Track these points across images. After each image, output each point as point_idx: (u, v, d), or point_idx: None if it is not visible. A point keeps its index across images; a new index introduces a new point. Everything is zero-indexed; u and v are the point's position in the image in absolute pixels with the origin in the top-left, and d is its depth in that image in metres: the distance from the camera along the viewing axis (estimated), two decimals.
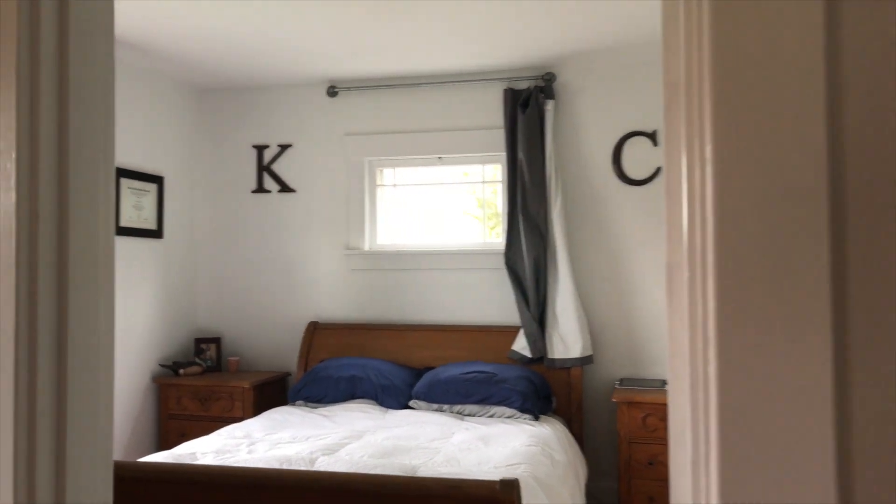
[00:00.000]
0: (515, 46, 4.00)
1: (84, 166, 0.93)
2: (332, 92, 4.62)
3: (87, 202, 0.93)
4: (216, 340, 4.65)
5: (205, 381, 4.27)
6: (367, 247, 4.61)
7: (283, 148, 4.73)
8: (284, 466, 2.74)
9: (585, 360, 4.03)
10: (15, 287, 0.83)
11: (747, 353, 0.69)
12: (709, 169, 0.72)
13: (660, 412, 3.60)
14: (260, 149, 4.77)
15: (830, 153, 0.69)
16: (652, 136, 4.10)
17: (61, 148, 0.90)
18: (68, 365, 0.88)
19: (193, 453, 2.97)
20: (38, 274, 0.86)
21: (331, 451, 3.02)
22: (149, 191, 4.36)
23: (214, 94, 4.85)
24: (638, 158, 4.13)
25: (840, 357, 0.70)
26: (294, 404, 4.07)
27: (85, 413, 0.90)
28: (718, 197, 0.71)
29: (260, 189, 4.76)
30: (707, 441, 0.72)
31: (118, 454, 4.05)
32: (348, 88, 4.60)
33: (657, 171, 4.08)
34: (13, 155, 0.85)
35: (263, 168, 4.76)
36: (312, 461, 2.83)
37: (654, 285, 4.08)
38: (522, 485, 2.45)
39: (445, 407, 3.83)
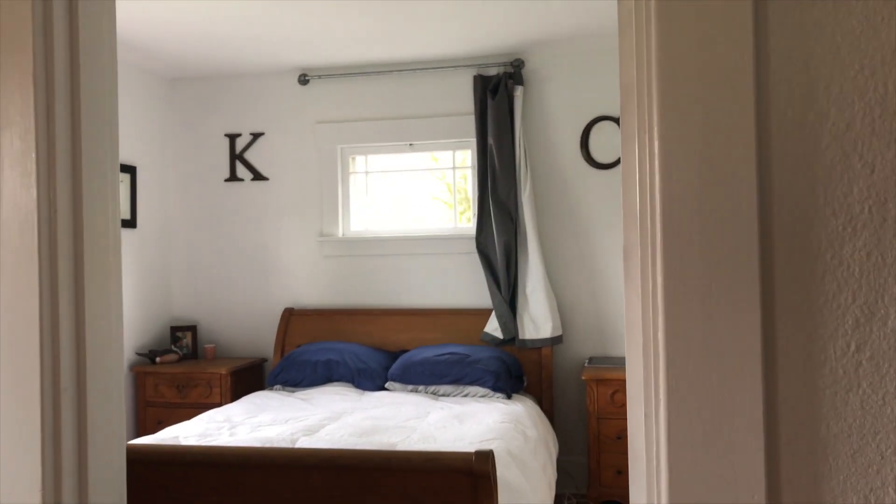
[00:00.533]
0: (484, 33, 4.09)
1: (95, 164, 1.01)
2: (304, 80, 4.67)
3: (98, 196, 1.01)
4: (192, 328, 4.70)
5: (181, 368, 4.33)
6: (340, 233, 4.68)
7: (256, 136, 4.77)
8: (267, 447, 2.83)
9: (555, 340, 4.16)
10: (38, 272, 0.92)
11: (689, 321, 0.81)
12: (656, 162, 0.83)
13: None
14: (232, 137, 4.80)
15: (759, 148, 0.80)
16: (618, 121, 4.22)
17: (74, 148, 0.98)
18: (86, 342, 0.97)
19: (176, 437, 3.04)
20: (58, 261, 0.94)
21: (311, 431, 3.11)
22: (122, 181, 4.39)
23: (186, 84, 4.87)
24: (605, 143, 4.26)
25: (768, 323, 0.81)
26: (272, 389, 4.15)
27: (101, 387, 0.99)
28: (664, 186, 0.81)
29: (233, 178, 4.80)
30: (657, 396, 0.83)
31: None
32: (319, 76, 4.65)
33: None
34: (33, 156, 0.93)
35: (236, 157, 4.80)
36: (294, 441, 2.92)
37: (620, 266, 4.21)
38: (497, 458, 2.57)
39: (420, 388, 3.94)
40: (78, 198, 0.98)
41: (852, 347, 0.79)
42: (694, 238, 0.80)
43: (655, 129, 0.83)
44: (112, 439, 1.02)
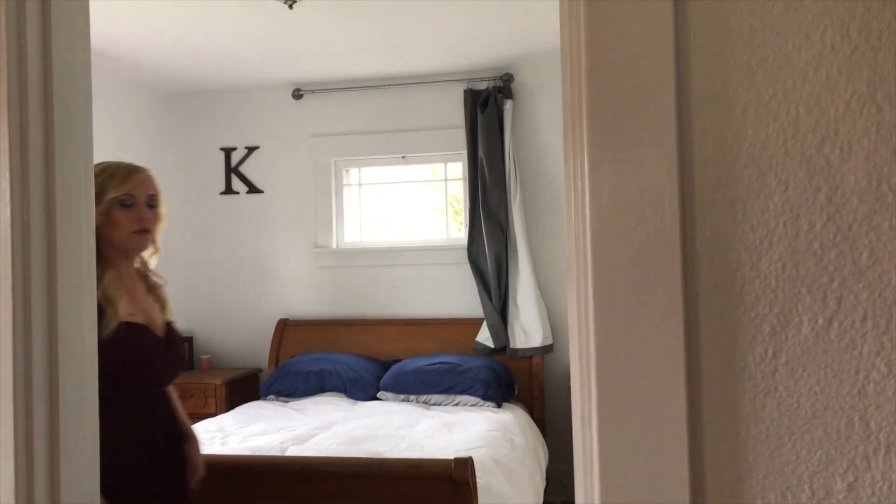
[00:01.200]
0: (474, 49, 4.16)
1: (67, 182, 1.07)
2: (298, 94, 4.74)
3: (71, 213, 1.07)
4: (188, 340, 4.75)
5: (178, 379, 4.37)
6: (334, 244, 4.74)
7: (251, 150, 4.84)
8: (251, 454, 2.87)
9: (546, 349, 4.21)
10: (11, 288, 0.97)
11: (617, 331, 0.86)
12: (586, 180, 0.88)
13: None
14: (227, 151, 4.87)
15: (681, 166, 0.85)
16: None
17: (48, 167, 1.04)
18: (59, 356, 1.02)
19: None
20: (31, 277, 1.00)
21: (301, 440, 3.16)
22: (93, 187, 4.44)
23: (181, 98, 4.95)
24: None
25: (691, 332, 0.86)
26: (266, 399, 4.20)
27: (74, 398, 1.05)
28: (593, 202, 0.87)
29: (228, 191, 4.87)
30: (590, 401, 0.88)
31: None
32: (313, 91, 4.73)
33: None
34: (7, 175, 0.99)
35: (231, 170, 4.87)
36: (283, 450, 2.97)
37: None
38: (482, 465, 2.62)
39: (412, 397, 3.99)
40: (51, 215, 1.04)
41: (769, 354, 0.84)
42: (621, 251, 0.85)
43: (585, 148, 0.88)
44: (85, 449, 1.07)
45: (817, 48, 0.84)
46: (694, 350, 0.86)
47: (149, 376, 1.87)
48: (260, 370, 4.73)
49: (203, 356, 4.75)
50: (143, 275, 1.96)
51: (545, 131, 4.40)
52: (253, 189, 4.84)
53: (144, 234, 1.85)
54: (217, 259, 4.87)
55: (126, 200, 1.82)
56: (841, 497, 0.83)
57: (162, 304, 1.98)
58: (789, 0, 0.84)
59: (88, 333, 1.12)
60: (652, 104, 0.85)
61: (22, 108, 1.02)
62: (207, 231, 4.90)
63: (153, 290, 1.98)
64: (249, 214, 4.85)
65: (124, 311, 1.75)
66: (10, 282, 0.98)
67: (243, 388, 4.54)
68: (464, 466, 2.10)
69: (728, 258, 0.85)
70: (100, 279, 1.58)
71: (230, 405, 4.29)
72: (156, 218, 1.89)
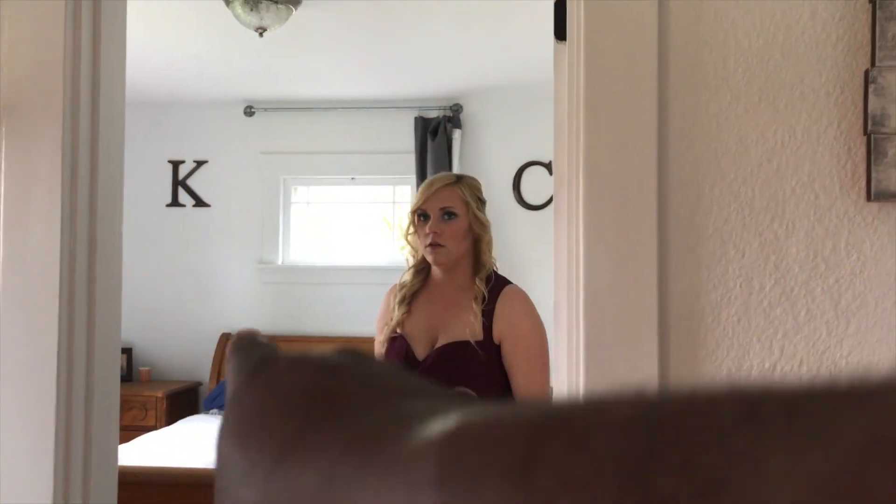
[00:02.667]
0: (426, 78, 4.33)
1: (107, 212, 1.18)
2: (249, 112, 4.81)
3: (109, 238, 1.18)
4: (127, 351, 4.73)
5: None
6: (280, 261, 4.81)
7: (199, 164, 4.87)
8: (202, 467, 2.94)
9: None
10: (58, 302, 1.08)
11: (603, 362, 1.03)
12: (581, 250, 1.05)
13: None
14: (175, 164, 4.89)
15: (660, 235, 1.04)
16: (548, 166, 4.52)
17: (92, 204, 1.15)
18: (95, 369, 1.13)
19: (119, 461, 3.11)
20: (75, 301, 1.11)
21: None
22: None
23: (130, 108, 4.86)
24: (535, 186, 4.55)
25: (664, 372, 1.04)
26: (209, 413, 4.22)
27: (105, 402, 1.15)
28: (587, 260, 1.04)
29: (175, 203, 4.88)
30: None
31: None
32: (265, 109, 4.80)
33: (551, 199, 4.51)
34: (58, 212, 1.10)
35: (179, 183, 4.88)
36: None
37: (548, 302, 4.49)
38: None
39: None
40: (93, 248, 1.15)
41: None
42: (608, 306, 1.03)
43: (581, 227, 1.06)
44: (111, 452, 1.18)
45: (770, 144, 1.04)
46: (665, 387, 1.03)
47: None
48: (200, 383, 4.74)
49: (142, 368, 4.73)
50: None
51: (491, 161, 4.61)
52: (200, 203, 4.87)
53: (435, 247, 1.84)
54: (160, 271, 4.86)
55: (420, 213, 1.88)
56: None
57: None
58: (748, 104, 1.04)
59: (115, 351, 1.23)
60: (637, 184, 1.04)
61: (73, 148, 1.13)
62: (151, 242, 4.88)
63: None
64: (195, 228, 4.87)
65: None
66: (56, 304, 1.08)
67: (183, 401, 4.55)
68: None
69: (695, 311, 1.04)
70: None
71: (170, 418, 4.29)
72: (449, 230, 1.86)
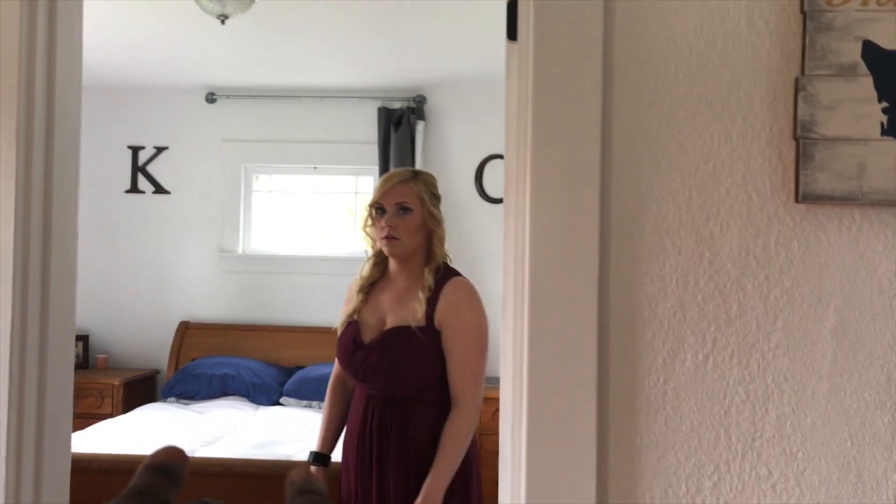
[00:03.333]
0: (389, 69, 4.35)
1: (62, 198, 1.19)
2: (211, 98, 4.77)
3: (63, 224, 1.19)
4: (84, 338, 4.67)
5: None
6: (240, 250, 4.80)
7: (159, 150, 4.82)
8: None
9: None
10: (12, 289, 1.09)
11: (547, 359, 1.08)
12: (527, 241, 1.09)
13: None
14: (135, 149, 4.83)
15: (601, 229, 1.08)
16: None
17: (46, 191, 1.16)
18: (48, 355, 1.15)
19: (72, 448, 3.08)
20: (29, 278, 1.12)
21: (208, 443, 3.23)
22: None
23: (89, 92, 4.79)
24: (497, 179, 4.59)
25: (603, 360, 1.09)
26: (166, 401, 4.20)
27: (58, 388, 1.16)
28: (532, 260, 1.08)
29: (134, 189, 4.83)
30: (521, 416, 1.09)
31: None
32: (227, 96, 4.77)
33: None
34: (12, 199, 1.10)
35: (138, 169, 4.83)
36: (192, 452, 3.04)
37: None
38: None
39: (314, 403, 4.11)
40: (48, 235, 1.16)
41: (661, 380, 1.08)
42: (553, 296, 1.07)
43: (527, 221, 1.10)
44: (64, 439, 1.19)
45: (707, 146, 1.09)
46: (604, 375, 1.08)
47: (348, 371, 2.01)
48: (158, 371, 4.71)
49: (99, 355, 4.68)
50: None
51: (454, 154, 4.64)
52: (159, 189, 4.82)
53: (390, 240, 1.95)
54: (118, 257, 4.81)
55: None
56: (708, 493, 1.08)
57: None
58: (688, 108, 1.09)
59: (70, 339, 1.24)
60: (582, 182, 1.08)
61: (28, 136, 1.13)
62: (109, 228, 4.83)
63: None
64: (154, 215, 4.82)
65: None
66: (10, 291, 1.09)
67: (140, 389, 4.52)
68: None
69: (633, 303, 1.09)
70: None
71: (127, 406, 4.26)
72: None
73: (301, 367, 4.42)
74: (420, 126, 4.52)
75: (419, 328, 1.90)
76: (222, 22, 3.01)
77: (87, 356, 4.66)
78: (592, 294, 1.07)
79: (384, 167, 4.55)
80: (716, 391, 1.08)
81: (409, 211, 1.96)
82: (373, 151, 4.62)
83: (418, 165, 4.48)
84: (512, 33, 1.19)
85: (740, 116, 1.09)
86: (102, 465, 2.38)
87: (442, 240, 2.01)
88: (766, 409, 1.08)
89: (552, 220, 1.08)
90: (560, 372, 1.07)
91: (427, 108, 4.63)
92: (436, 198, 2.05)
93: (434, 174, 4.50)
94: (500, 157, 4.58)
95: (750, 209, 1.08)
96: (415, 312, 1.91)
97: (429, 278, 1.95)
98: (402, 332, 1.92)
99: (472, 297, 1.96)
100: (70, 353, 1.26)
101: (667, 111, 1.09)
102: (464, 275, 2.03)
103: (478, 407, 1.90)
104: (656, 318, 1.09)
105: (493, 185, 4.60)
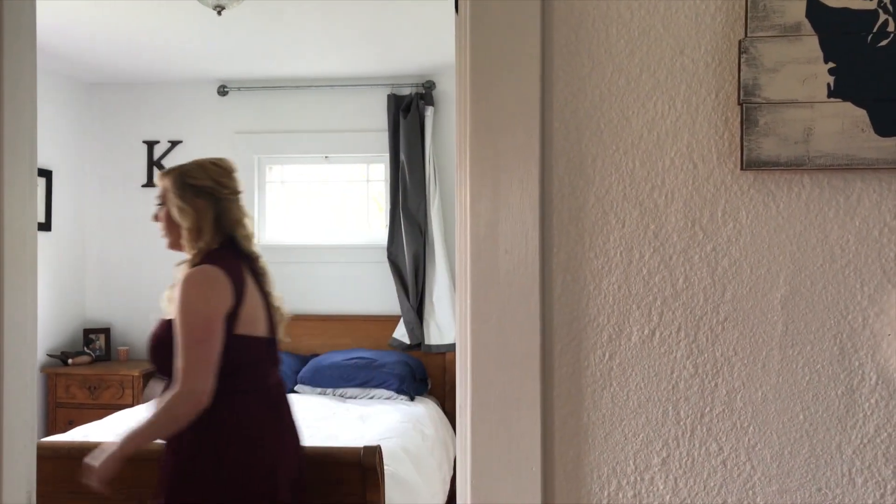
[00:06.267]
0: (398, 56, 4.33)
1: (15, 175, 1.20)
2: (223, 91, 4.81)
3: (18, 207, 1.20)
4: (105, 331, 4.77)
5: (94, 370, 4.40)
6: (256, 241, 4.82)
7: (174, 144, 4.88)
8: None
9: None
10: None
11: (488, 336, 1.06)
12: (467, 214, 1.07)
13: None
14: (150, 144, 4.89)
15: (542, 202, 1.06)
16: None
17: None
18: (4, 344, 1.16)
19: (86, 436, 3.15)
20: None
21: None
22: (37, 184, 4.42)
23: (104, 89, 4.93)
24: None
25: (547, 336, 1.07)
26: None
27: (18, 386, 1.18)
28: (473, 222, 1.06)
29: (150, 183, 4.89)
30: (466, 393, 1.08)
31: None
32: (238, 88, 4.80)
33: None
34: None
35: (154, 163, 4.89)
36: None
37: None
38: (392, 455, 2.80)
39: (329, 391, 4.14)
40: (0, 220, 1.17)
41: (606, 356, 1.06)
42: (493, 272, 1.05)
43: (468, 188, 1.08)
44: (26, 436, 1.21)
45: (650, 115, 1.06)
46: (548, 352, 1.06)
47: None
48: None
49: (121, 347, 4.76)
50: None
51: None
52: None
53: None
54: (137, 251, 4.88)
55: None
56: (656, 470, 1.05)
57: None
58: (630, 75, 1.06)
59: (31, 324, 1.25)
60: (520, 154, 1.05)
61: None
62: (128, 223, 4.90)
63: None
64: None
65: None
66: None
67: None
68: (372, 454, 2.28)
69: (577, 279, 1.06)
70: None
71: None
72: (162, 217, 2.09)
73: (316, 355, 4.45)
74: (429, 112, 4.50)
75: (171, 320, 1.98)
76: (219, 13, 3.02)
77: (108, 349, 4.75)
78: (534, 270, 1.05)
79: (395, 154, 4.54)
80: (663, 366, 1.05)
81: (161, 206, 2.13)
82: (383, 139, 4.62)
83: (428, 151, 4.46)
84: (456, 5, 1.17)
85: (684, 83, 1.05)
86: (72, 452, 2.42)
87: (192, 233, 2.05)
88: (716, 384, 1.05)
89: (491, 196, 1.06)
90: (502, 350, 1.05)
91: (436, 93, 4.61)
92: (192, 188, 2.06)
93: (445, 159, 4.48)
94: None
95: (696, 178, 1.05)
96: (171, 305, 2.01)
97: (177, 270, 2.07)
98: (160, 325, 2.07)
99: (191, 286, 1.97)
100: (32, 367, 1.27)
101: (608, 79, 1.06)
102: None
103: (195, 392, 1.90)
104: (601, 293, 1.06)
105: None
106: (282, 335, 2.17)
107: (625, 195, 1.06)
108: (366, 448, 2.28)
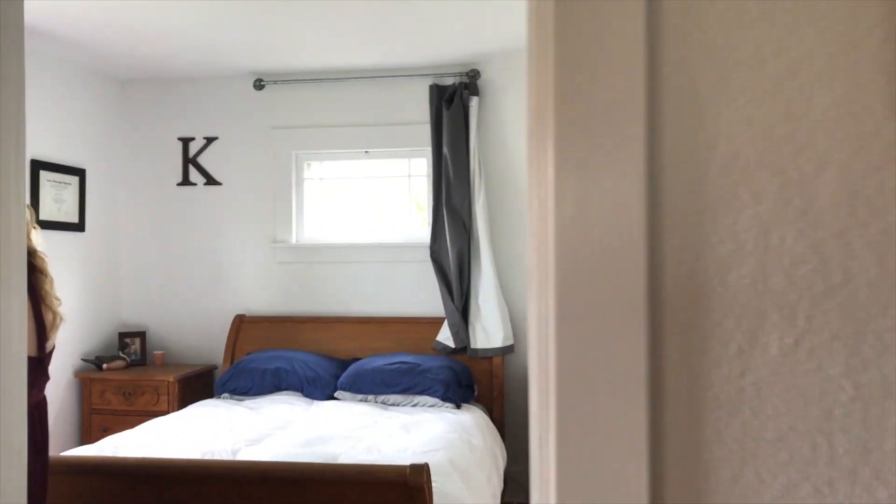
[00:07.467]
0: (441, 43, 4.10)
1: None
2: (259, 85, 4.63)
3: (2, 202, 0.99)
4: (141, 334, 4.62)
5: (129, 375, 4.26)
6: (293, 240, 4.65)
7: (209, 140, 4.72)
8: (207, 458, 2.79)
9: (506, 350, 4.17)
10: None
11: (579, 347, 0.81)
12: (551, 189, 0.83)
13: None
14: (185, 141, 4.75)
15: (648, 177, 0.81)
16: None
17: None
18: None
19: (116, 447, 2.98)
20: None
21: (254, 442, 3.08)
22: (70, 183, 4.30)
23: (138, 86, 4.80)
24: None
25: (655, 349, 0.82)
26: (220, 397, 4.09)
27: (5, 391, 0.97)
28: (558, 212, 0.82)
29: (185, 182, 4.75)
30: (548, 422, 0.83)
31: None
32: (275, 82, 4.62)
33: None
34: None
35: (189, 160, 4.74)
36: (235, 452, 2.89)
37: None
38: (438, 469, 2.57)
39: (370, 397, 3.92)
40: None
41: (735, 374, 0.81)
42: (585, 263, 0.81)
43: (551, 156, 0.83)
44: (11, 451, 1.00)
45: (794, 53, 0.80)
46: (657, 367, 0.81)
47: None
48: (215, 367, 4.62)
49: (156, 352, 4.62)
50: None
51: (511, 129, 4.36)
52: (211, 181, 4.72)
53: None
54: (172, 252, 4.74)
55: None
56: None
57: None
58: (765, 1, 0.80)
59: (17, 329, 1.04)
60: (621, 112, 0.81)
61: None
62: (163, 223, 4.77)
63: None
64: (207, 207, 4.73)
65: None
66: None
67: (197, 385, 4.43)
68: (419, 472, 2.05)
69: (695, 272, 0.81)
70: None
71: (183, 402, 4.18)
72: None
73: (357, 359, 4.24)
74: (474, 102, 4.26)
75: None
76: None
77: (144, 353, 4.60)
78: (638, 262, 0.80)
79: (437, 148, 4.31)
80: (812, 387, 0.80)
81: None
82: (425, 132, 4.39)
83: (472, 143, 4.23)
84: None
85: (842, 9, 0.79)
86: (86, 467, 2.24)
87: None
88: (884, 411, 0.79)
89: (582, 168, 0.82)
90: (596, 366, 0.81)
91: (481, 82, 4.37)
92: None
93: (490, 151, 4.24)
94: None
95: (857, 137, 0.79)
96: None
97: None
98: None
99: None
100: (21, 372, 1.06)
101: (736, 6, 0.81)
102: None
103: None
104: (728, 291, 0.81)
105: None
106: (55, 340, 1.87)
107: (759, 161, 0.81)
108: (412, 466, 2.05)
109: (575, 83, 0.83)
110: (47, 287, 1.79)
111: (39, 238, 1.80)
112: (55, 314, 1.80)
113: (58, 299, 1.81)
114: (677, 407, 0.81)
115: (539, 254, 0.87)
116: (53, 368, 4.12)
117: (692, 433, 0.81)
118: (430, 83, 4.39)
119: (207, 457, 2.82)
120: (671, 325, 0.81)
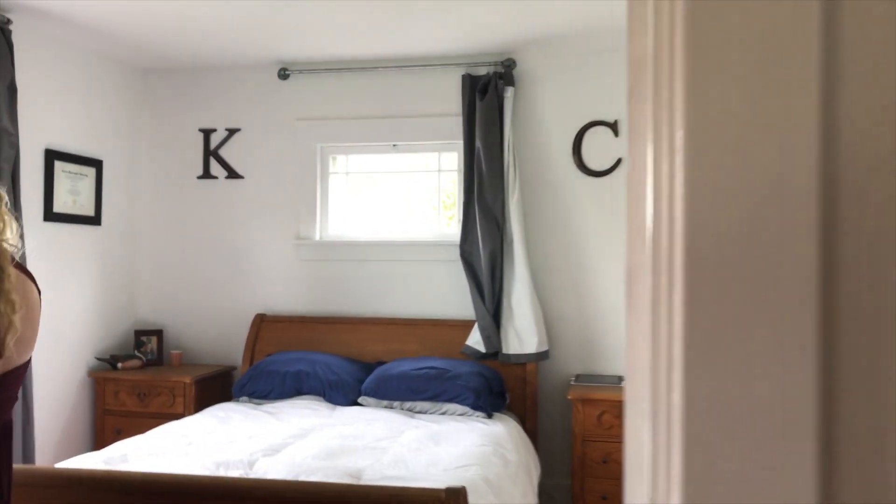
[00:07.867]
0: (475, 31, 3.87)
1: None
2: (284, 74, 4.43)
3: None
4: (158, 333, 4.44)
5: (144, 375, 4.08)
6: (317, 236, 4.44)
7: (231, 132, 4.53)
8: (221, 470, 2.58)
9: (541, 356, 3.93)
10: None
11: (719, 377, 0.58)
12: (679, 159, 0.60)
13: (615, 409, 3.52)
14: (207, 133, 4.56)
15: (823, 144, 0.57)
16: (613, 127, 4.01)
17: None
18: None
19: (125, 455, 2.79)
20: None
21: (273, 451, 2.87)
22: (86, 175, 4.13)
23: (158, 75, 4.62)
24: (598, 149, 4.04)
25: (826, 381, 0.58)
26: (238, 400, 3.90)
27: None
28: (689, 194, 0.58)
29: (206, 175, 4.56)
30: (669, 475, 0.60)
31: (49, 452, 3.83)
32: (300, 71, 4.42)
33: (618, 163, 4.00)
34: None
35: (210, 153, 4.55)
36: (251, 464, 2.67)
37: (611, 279, 4.00)
38: (472, 488, 2.34)
39: (396, 404, 3.70)
40: None
41: None
42: (730, 264, 0.57)
43: (678, 116, 0.60)
44: None
45: None
46: (830, 412, 0.57)
47: None
48: (234, 368, 4.43)
49: (174, 351, 4.44)
50: None
51: (548, 122, 4.12)
52: (232, 174, 4.53)
53: None
54: (191, 247, 4.56)
55: None
56: None
57: None
58: None
59: None
60: (782, 62, 0.57)
61: None
62: (182, 217, 4.58)
63: None
64: (228, 201, 4.54)
65: None
66: None
67: (215, 386, 4.24)
68: (456, 497, 1.81)
69: (887, 268, 0.57)
70: None
71: (200, 405, 3.99)
72: None
73: (382, 363, 4.02)
74: (509, 93, 4.02)
75: None
76: None
77: (161, 352, 4.42)
78: (808, 261, 0.57)
79: (469, 141, 4.08)
80: None
81: None
82: (457, 124, 4.16)
83: (507, 136, 3.99)
84: None
85: None
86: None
87: None
88: None
89: (726, 134, 0.58)
90: (744, 411, 0.57)
91: (517, 72, 4.13)
92: None
93: (526, 145, 4.00)
94: (602, 123, 4.01)
95: None
96: None
97: None
98: None
99: None
100: None
101: None
102: None
103: None
104: None
105: (593, 157, 4.05)
106: (12, 353, 1.45)
107: None
108: (448, 490, 1.82)
109: (715, 13, 0.59)
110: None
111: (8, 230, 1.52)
112: (11, 325, 1.42)
113: (15, 300, 1.44)
114: (852, 459, 0.57)
115: (655, 251, 0.63)
116: (65, 365, 3.96)
117: (877, 479, 0.57)
118: (463, 73, 4.16)
119: (222, 468, 2.61)
120: (846, 336, 0.57)
